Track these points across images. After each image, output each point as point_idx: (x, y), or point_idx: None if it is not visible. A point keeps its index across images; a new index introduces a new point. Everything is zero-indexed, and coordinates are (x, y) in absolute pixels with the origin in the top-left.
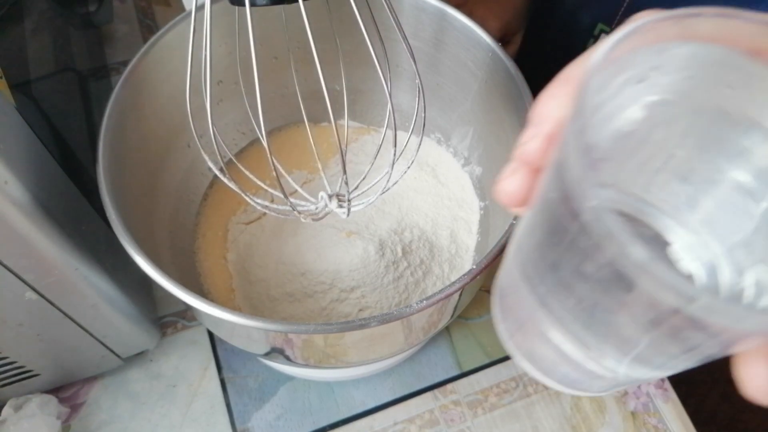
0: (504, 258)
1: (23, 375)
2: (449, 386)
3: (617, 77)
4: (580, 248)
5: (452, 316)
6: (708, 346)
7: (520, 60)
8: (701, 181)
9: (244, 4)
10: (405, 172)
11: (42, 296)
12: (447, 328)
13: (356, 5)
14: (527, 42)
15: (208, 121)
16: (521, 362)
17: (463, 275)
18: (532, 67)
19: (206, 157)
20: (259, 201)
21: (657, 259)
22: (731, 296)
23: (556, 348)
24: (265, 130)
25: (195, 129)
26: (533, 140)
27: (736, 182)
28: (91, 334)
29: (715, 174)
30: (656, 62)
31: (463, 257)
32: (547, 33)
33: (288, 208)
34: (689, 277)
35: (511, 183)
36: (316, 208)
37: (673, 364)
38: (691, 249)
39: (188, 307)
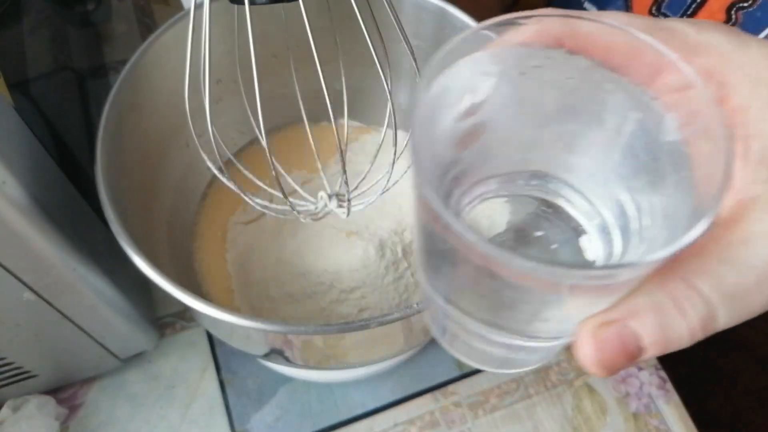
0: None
1: (21, 376)
2: (450, 387)
3: (466, 78)
4: (447, 250)
5: None
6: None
7: None
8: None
9: (243, 3)
10: (405, 171)
11: (40, 297)
12: None
13: (356, 4)
14: None
15: (206, 121)
16: (460, 358)
17: None
18: None
19: (205, 157)
20: (258, 201)
21: (482, 241)
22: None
23: (481, 339)
24: (265, 129)
25: (194, 128)
26: None
27: (597, 141)
28: (89, 335)
29: (581, 136)
30: (502, 61)
31: None
32: None
33: (287, 208)
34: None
35: None
36: (316, 208)
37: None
38: (585, 213)
39: (187, 308)
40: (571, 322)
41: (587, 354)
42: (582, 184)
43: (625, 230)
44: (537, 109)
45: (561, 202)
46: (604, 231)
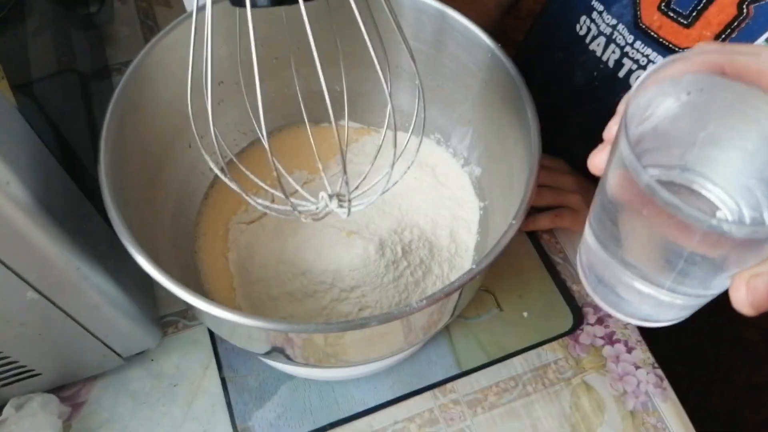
0: (585, 230)
1: (25, 374)
2: (449, 385)
3: (651, 96)
4: (637, 208)
5: (452, 316)
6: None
7: (519, 58)
8: (720, 149)
9: (244, 5)
10: (405, 172)
11: (43, 296)
12: (447, 328)
13: (356, 6)
14: (526, 37)
15: (209, 122)
16: (607, 309)
17: (463, 275)
18: (531, 65)
19: (207, 157)
20: (259, 201)
21: (683, 203)
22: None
23: (636, 292)
24: (266, 130)
25: (196, 129)
26: (614, 126)
27: (744, 146)
28: (92, 334)
29: (730, 142)
30: (676, 84)
31: (462, 257)
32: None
33: (288, 208)
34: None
35: (599, 156)
36: (317, 208)
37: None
38: (721, 200)
39: (189, 307)
40: (723, 276)
41: (741, 297)
42: (723, 179)
43: (755, 210)
44: (697, 120)
45: (701, 189)
46: (734, 213)
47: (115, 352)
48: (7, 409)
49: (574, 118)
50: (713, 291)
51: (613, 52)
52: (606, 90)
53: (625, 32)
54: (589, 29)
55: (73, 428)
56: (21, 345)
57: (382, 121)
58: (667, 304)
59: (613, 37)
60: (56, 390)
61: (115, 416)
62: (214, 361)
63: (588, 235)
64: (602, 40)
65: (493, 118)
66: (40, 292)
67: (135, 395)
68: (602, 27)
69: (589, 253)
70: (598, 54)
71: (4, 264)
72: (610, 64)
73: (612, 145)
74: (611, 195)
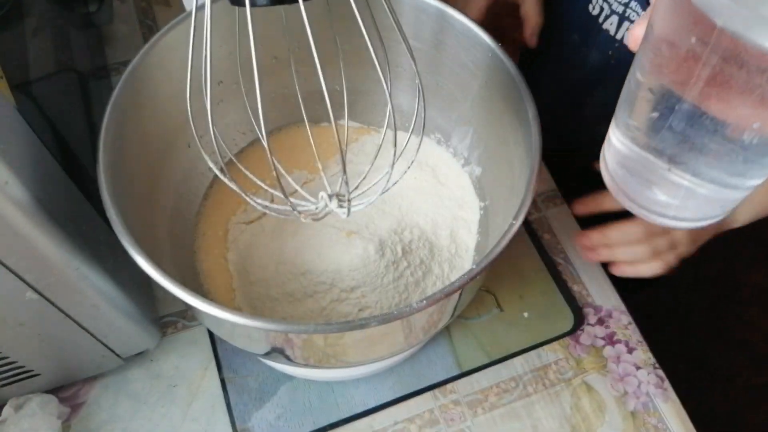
0: (610, 130)
1: (24, 375)
2: (449, 386)
3: None
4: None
5: (452, 316)
6: None
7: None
8: None
9: (244, 5)
10: (405, 172)
11: (42, 296)
12: (447, 328)
13: (356, 6)
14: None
15: (208, 122)
16: (634, 209)
17: (463, 275)
18: (545, 51)
19: (206, 157)
20: (259, 201)
21: None
22: None
23: (669, 183)
24: (266, 130)
25: (195, 129)
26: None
27: None
28: (91, 334)
29: None
30: None
31: (462, 257)
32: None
33: (288, 208)
34: None
35: (638, 28)
36: (316, 208)
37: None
38: None
39: (188, 307)
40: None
41: None
42: None
43: None
44: None
45: None
46: None
47: (114, 352)
48: (6, 410)
49: (595, 98)
50: (755, 180)
51: (627, 29)
52: (624, 68)
53: (638, 9)
54: (602, 9)
55: (73, 429)
56: (20, 345)
57: (382, 120)
58: (703, 196)
59: (626, 14)
60: (55, 390)
61: (115, 417)
62: (213, 361)
63: (618, 134)
64: (615, 19)
65: (494, 118)
66: (39, 293)
67: (134, 396)
68: (614, 6)
69: (618, 154)
70: (612, 33)
71: (2, 264)
72: (625, 41)
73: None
74: (659, 33)
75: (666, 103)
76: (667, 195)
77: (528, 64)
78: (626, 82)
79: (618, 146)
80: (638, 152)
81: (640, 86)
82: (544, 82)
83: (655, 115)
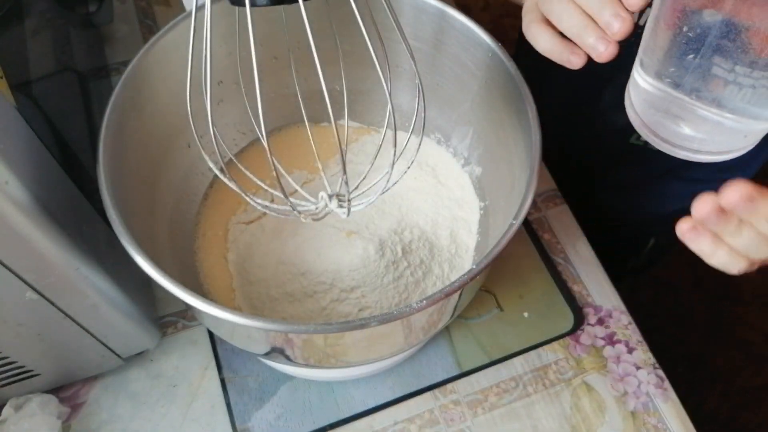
0: (634, 70)
1: (24, 375)
2: (449, 386)
3: None
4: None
5: (452, 316)
6: None
7: (519, 59)
8: None
9: (244, 5)
10: (405, 172)
11: (42, 296)
12: (447, 328)
13: (356, 6)
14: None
15: (208, 122)
16: (657, 143)
17: (463, 275)
18: (531, 67)
19: (206, 157)
20: (259, 201)
21: None
22: None
23: (694, 117)
24: (266, 130)
25: (195, 129)
26: None
27: None
28: (91, 334)
29: None
30: None
31: (462, 257)
32: None
33: (288, 208)
34: None
35: None
36: (316, 208)
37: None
38: None
39: (188, 307)
40: None
41: None
42: None
43: None
44: None
45: None
46: None
47: (114, 352)
48: (6, 410)
49: (616, 81)
50: None
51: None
52: (628, 69)
53: None
54: None
55: (72, 429)
56: (20, 345)
57: (382, 120)
58: (728, 128)
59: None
60: (55, 390)
61: (114, 417)
62: (213, 361)
63: (642, 72)
64: None
65: (494, 118)
66: (38, 292)
67: (134, 396)
68: None
69: (643, 92)
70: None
71: (2, 264)
72: (641, 23)
73: None
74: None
75: (695, 29)
76: (692, 128)
77: (531, 65)
78: (649, 19)
79: (642, 84)
80: (663, 88)
81: (663, 17)
82: (547, 82)
83: (683, 41)
